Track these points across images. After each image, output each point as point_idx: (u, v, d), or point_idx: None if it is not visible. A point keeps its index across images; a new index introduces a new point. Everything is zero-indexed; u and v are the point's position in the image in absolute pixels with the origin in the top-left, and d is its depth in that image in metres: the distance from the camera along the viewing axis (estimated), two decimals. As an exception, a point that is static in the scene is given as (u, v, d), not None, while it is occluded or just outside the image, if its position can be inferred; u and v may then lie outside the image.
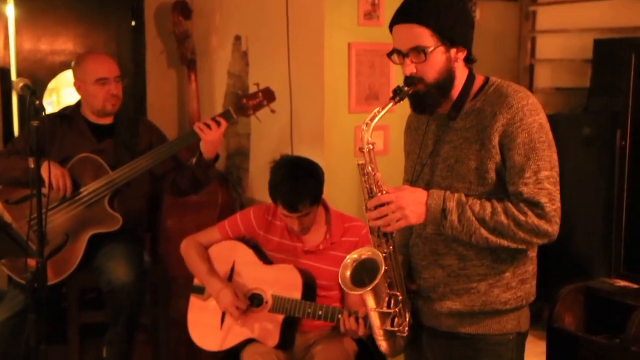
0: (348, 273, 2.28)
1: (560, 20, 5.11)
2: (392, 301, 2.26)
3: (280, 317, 3.10)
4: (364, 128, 2.17)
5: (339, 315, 2.91)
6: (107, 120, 3.77)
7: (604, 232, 4.26)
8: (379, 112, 2.17)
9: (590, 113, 4.68)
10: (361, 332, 2.83)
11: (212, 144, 3.52)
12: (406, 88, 2.18)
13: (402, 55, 2.19)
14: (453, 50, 2.20)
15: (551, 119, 2.23)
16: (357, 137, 3.87)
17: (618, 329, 2.92)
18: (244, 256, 3.24)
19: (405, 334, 2.30)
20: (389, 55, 2.24)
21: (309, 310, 3.01)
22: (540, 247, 2.29)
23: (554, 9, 5.17)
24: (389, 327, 2.29)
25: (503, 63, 5.17)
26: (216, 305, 3.20)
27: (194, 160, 3.61)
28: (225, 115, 3.58)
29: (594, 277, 3.42)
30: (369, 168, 2.19)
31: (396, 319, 2.28)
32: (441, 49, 2.17)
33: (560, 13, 5.13)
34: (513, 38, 5.28)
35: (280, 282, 3.12)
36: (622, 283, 3.19)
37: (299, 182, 3.02)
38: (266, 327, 3.12)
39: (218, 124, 3.49)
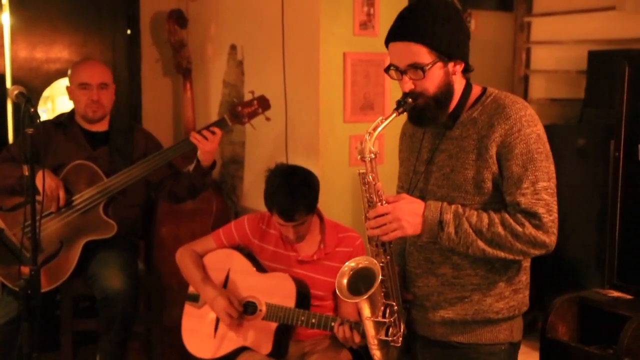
0: (345, 281, 2.28)
1: (555, 32, 5.13)
2: (388, 311, 2.26)
3: (273, 325, 3.10)
4: (367, 137, 2.16)
5: (333, 324, 2.91)
6: (102, 128, 3.77)
7: (597, 243, 4.26)
8: (382, 121, 2.16)
9: (584, 124, 4.69)
10: (357, 339, 2.82)
11: (210, 152, 3.55)
12: (410, 100, 2.17)
13: (400, 71, 2.19)
14: (451, 64, 2.19)
15: (545, 129, 2.23)
16: (352, 146, 3.88)
17: (611, 339, 2.92)
18: (239, 264, 3.24)
19: (399, 344, 2.30)
20: (386, 70, 2.23)
21: (303, 318, 3.01)
22: (535, 258, 2.29)
23: (549, 20, 5.19)
24: (383, 337, 2.29)
25: (498, 74, 5.18)
26: (211, 313, 3.20)
27: (191, 167, 3.62)
28: (221, 122, 3.59)
29: (588, 288, 3.42)
30: (370, 177, 2.18)
31: (391, 329, 2.28)
32: (439, 64, 2.16)
33: (555, 24, 5.14)
34: (508, 49, 5.30)
35: (275, 290, 3.12)
36: (616, 294, 3.19)
37: (294, 191, 3.02)
38: (260, 335, 3.12)
39: (213, 133, 3.51)
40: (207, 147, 3.51)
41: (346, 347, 3.02)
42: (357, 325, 2.79)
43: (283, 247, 3.21)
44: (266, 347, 3.10)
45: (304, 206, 3.04)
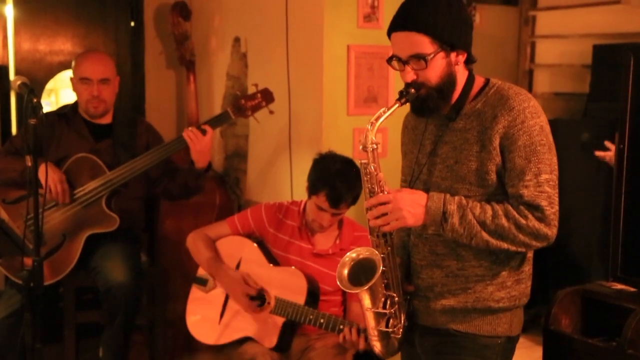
0: (346, 271, 2.28)
1: (559, 26, 5.12)
2: (388, 302, 2.26)
3: (280, 320, 3.09)
4: (369, 127, 2.16)
5: (341, 327, 2.90)
6: (106, 120, 3.77)
7: (601, 236, 4.25)
8: (384, 112, 2.15)
9: (589, 118, 4.68)
10: (362, 346, 2.81)
11: (201, 153, 3.50)
12: (412, 90, 2.17)
13: (402, 62, 2.18)
14: (453, 54, 2.19)
15: (550, 124, 2.22)
16: (356, 139, 3.87)
17: (615, 332, 2.91)
18: (251, 254, 3.23)
19: (399, 336, 2.30)
20: (389, 61, 2.23)
21: (311, 317, 3.00)
22: (539, 251, 2.28)
23: (554, 14, 5.17)
24: (383, 328, 2.29)
25: (502, 68, 5.18)
26: (217, 298, 3.19)
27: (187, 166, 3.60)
28: (224, 116, 3.58)
29: (592, 281, 3.41)
30: (372, 167, 2.18)
31: (391, 320, 2.28)
32: (441, 54, 2.16)
33: (559, 18, 5.13)
34: (512, 43, 5.29)
35: (285, 284, 3.10)
36: (619, 286, 3.18)
37: (351, 180, 3.04)
38: (265, 328, 3.11)
39: (204, 132, 3.48)
40: (196, 147, 3.47)
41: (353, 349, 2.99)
42: (366, 330, 2.78)
43: (299, 239, 3.20)
44: (270, 341, 3.09)
45: (352, 198, 3.06)
